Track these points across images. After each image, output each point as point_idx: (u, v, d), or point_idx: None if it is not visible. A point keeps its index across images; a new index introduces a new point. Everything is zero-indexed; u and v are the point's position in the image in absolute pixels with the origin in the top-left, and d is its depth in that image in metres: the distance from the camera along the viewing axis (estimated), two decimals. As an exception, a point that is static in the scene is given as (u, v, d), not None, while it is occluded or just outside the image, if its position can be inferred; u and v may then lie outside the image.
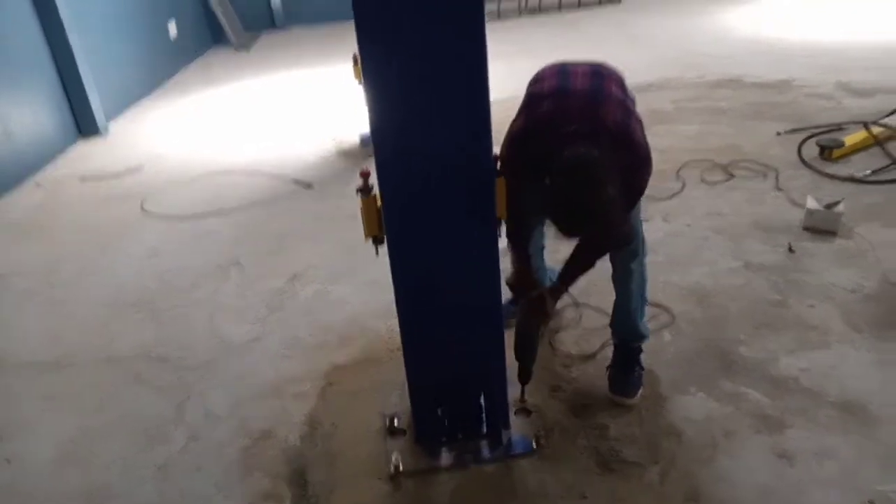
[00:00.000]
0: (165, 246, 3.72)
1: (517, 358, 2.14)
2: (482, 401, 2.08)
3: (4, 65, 4.91)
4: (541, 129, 1.91)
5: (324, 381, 2.49)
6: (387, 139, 1.64)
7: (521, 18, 9.05)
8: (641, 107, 2.07)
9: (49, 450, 2.30)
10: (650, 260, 2.30)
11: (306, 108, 6.07)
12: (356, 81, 2.05)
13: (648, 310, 2.40)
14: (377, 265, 1.93)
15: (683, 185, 3.76)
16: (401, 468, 2.04)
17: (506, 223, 1.92)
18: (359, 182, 1.78)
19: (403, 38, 1.52)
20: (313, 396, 2.42)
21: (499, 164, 1.77)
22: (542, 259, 2.62)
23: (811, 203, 3.20)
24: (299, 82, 6.93)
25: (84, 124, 5.72)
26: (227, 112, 6.28)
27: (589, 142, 1.78)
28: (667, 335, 2.56)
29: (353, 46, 1.56)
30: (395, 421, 2.21)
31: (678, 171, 3.92)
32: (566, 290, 2.15)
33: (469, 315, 1.93)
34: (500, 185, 1.77)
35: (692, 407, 2.21)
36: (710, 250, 3.12)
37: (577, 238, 1.98)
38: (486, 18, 1.55)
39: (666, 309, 2.69)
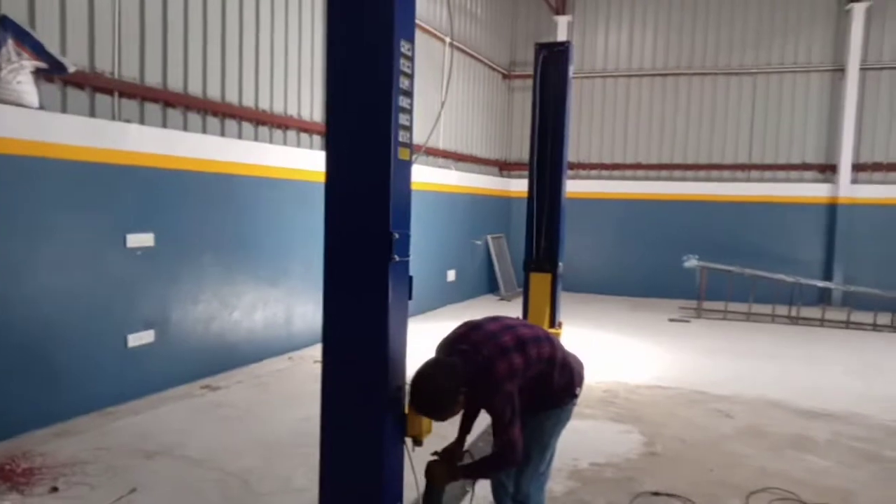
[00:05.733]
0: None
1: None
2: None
3: (298, 278, 7.18)
4: (448, 342, 2.83)
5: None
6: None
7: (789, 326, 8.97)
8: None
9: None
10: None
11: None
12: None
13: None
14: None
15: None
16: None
17: None
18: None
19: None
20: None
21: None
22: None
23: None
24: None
25: (345, 328, 7.74)
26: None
27: (461, 357, 2.54)
28: None
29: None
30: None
31: (752, 494, 3.80)
32: (456, 475, 2.72)
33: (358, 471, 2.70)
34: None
35: None
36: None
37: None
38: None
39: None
